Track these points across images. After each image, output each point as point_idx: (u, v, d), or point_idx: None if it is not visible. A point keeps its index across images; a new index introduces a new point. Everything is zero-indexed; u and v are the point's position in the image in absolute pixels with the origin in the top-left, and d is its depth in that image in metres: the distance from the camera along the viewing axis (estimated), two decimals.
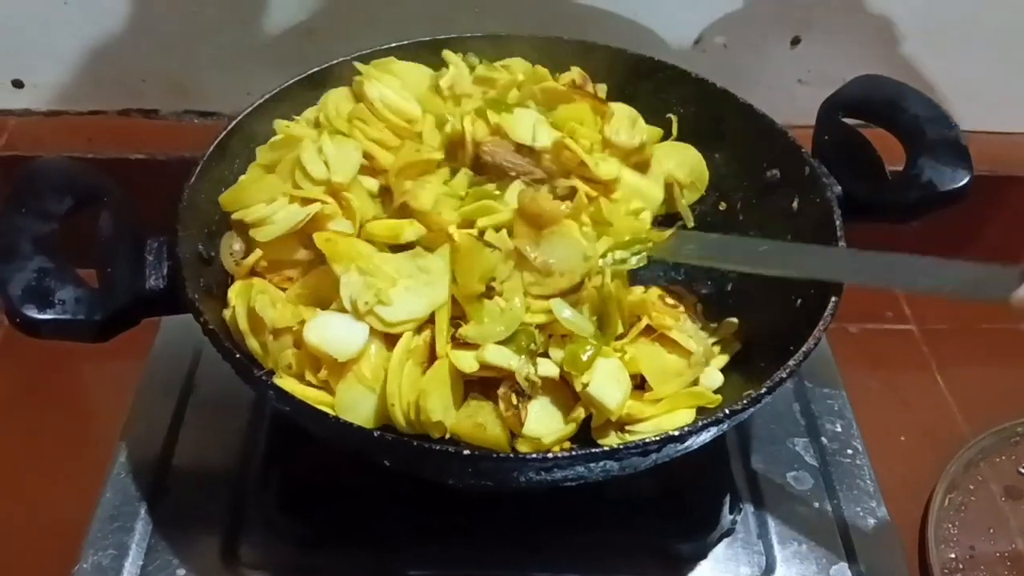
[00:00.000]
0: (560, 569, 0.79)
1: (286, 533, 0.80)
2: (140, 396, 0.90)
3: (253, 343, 0.73)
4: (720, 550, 0.81)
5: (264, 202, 0.76)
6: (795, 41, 1.10)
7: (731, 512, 0.83)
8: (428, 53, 0.89)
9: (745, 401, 0.65)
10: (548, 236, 0.73)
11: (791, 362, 0.68)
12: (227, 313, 0.74)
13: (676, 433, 0.64)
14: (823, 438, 0.90)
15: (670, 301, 0.78)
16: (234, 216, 0.77)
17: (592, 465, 0.64)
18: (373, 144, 0.80)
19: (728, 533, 0.82)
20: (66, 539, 0.79)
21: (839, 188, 0.81)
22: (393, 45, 0.89)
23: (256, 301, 0.73)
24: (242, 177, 0.80)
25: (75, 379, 1.02)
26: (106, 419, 0.90)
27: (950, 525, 0.91)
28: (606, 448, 0.64)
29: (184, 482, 0.83)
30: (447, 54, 0.89)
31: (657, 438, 0.63)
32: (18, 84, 1.09)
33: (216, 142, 0.80)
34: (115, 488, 0.82)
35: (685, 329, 0.76)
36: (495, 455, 0.66)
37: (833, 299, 0.71)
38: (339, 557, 0.79)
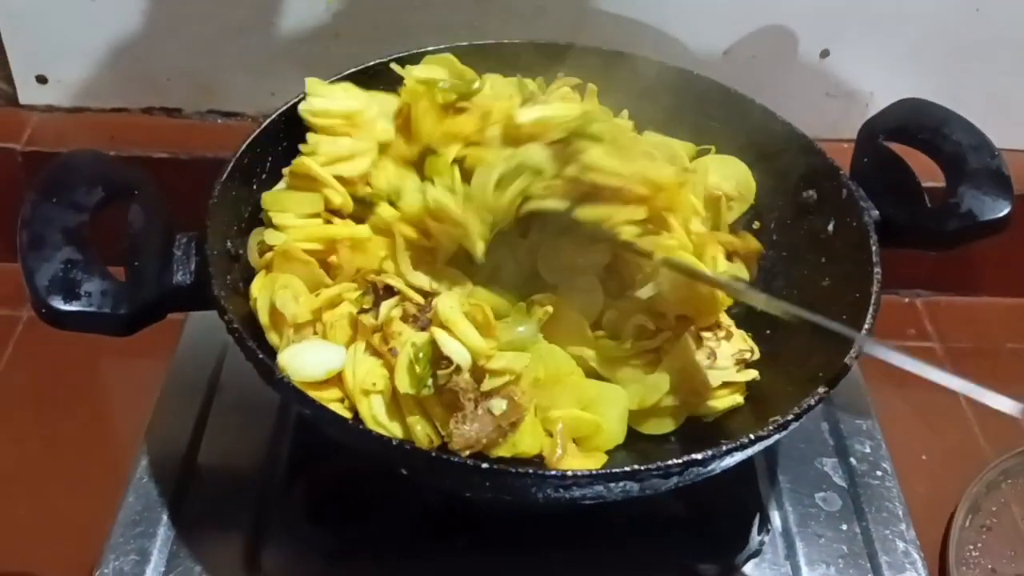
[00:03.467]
0: None
1: (310, 542, 0.79)
2: (164, 397, 0.89)
3: (274, 338, 0.73)
4: (748, 571, 0.80)
5: (295, 214, 0.77)
6: (824, 54, 1.10)
7: (759, 533, 0.82)
8: (468, 58, 0.88)
9: (772, 427, 0.65)
10: None
11: (820, 389, 0.67)
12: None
13: (699, 457, 0.63)
14: (852, 459, 0.89)
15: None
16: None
17: (612, 485, 0.63)
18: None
19: (756, 554, 0.81)
20: (87, 543, 0.79)
21: (876, 213, 0.80)
22: (430, 48, 0.88)
23: (277, 296, 0.72)
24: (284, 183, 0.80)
25: (98, 379, 1.01)
26: (129, 420, 0.90)
27: (971, 547, 0.90)
28: (626, 469, 0.63)
29: (207, 487, 0.82)
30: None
31: (679, 461, 0.62)
32: (42, 80, 1.09)
33: (249, 139, 0.79)
34: (137, 492, 0.81)
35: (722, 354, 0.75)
36: (514, 470, 0.65)
37: (866, 328, 0.71)
38: (362, 568, 0.79)
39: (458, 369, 0.67)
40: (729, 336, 0.77)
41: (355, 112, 0.80)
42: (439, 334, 0.68)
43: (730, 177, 0.86)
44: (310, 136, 0.79)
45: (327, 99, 0.81)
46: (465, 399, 0.67)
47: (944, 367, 1.08)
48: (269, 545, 0.79)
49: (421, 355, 0.68)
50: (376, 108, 0.82)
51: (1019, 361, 1.07)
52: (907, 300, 1.16)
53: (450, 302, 0.70)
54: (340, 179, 0.78)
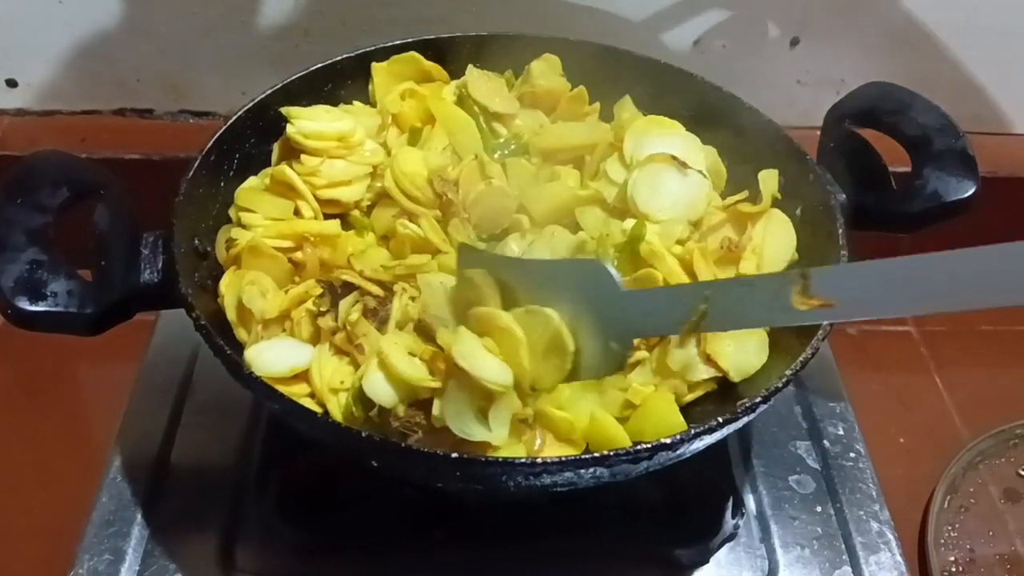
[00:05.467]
0: (559, 574, 0.79)
1: (284, 538, 0.79)
2: (136, 398, 0.89)
3: (242, 334, 0.73)
4: (722, 555, 0.80)
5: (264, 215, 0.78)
6: (794, 42, 1.10)
7: (733, 516, 0.82)
8: (431, 51, 0.90)
9: (739, 410, 0.65)
10: None
11: (787, 371, 0.67)
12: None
13: (668, 441, 0.63)
14: (825, 441, 0.89)
15: None
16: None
17: (582, 471, 0.63)
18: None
19: (730, 538, 0.81)
20: (61, 543, 0.79)
21: (843, 196, 0.81)
22: (398, 43, 0.89)
23: (245, 292, 0.73)
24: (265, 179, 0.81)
25: (70, 381, 1.01)
26: (101, 421, 0.90)
27: (949, 527, 0.90)
28: (595, 455, 0.63)
29: (181, 486, 0.83)
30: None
31: (648, 446, 0.63)
32: (12, 83, 1.08)
33: (215, 137, 0.80)
34: (111, 492, 0.81)
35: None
36: (483, 459, 0.65)
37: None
38: (337, 563, 0.79)
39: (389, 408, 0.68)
40: None
41: (348, 133, 0.81)
42: (367, 379, 0.68)
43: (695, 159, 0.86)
44: (306, 159, 0.80)
45: (315, 121, 0.81)
46: (407, 429, 0.68)
47: (921, 351, 1.10)
48: (243, 542, 0.79)
49: (355, 397, 0.69)
50: (361, 130, 0.83)
51: (994, 342, 1.08)
52: None
53: (394, 339, 0.70)
54: (335, 202, 0.80)
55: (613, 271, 0.66)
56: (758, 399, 0.65)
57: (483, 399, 0.67)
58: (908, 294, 0.55)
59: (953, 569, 0.87)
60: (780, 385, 0.66)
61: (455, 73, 0.90)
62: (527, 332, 0.67)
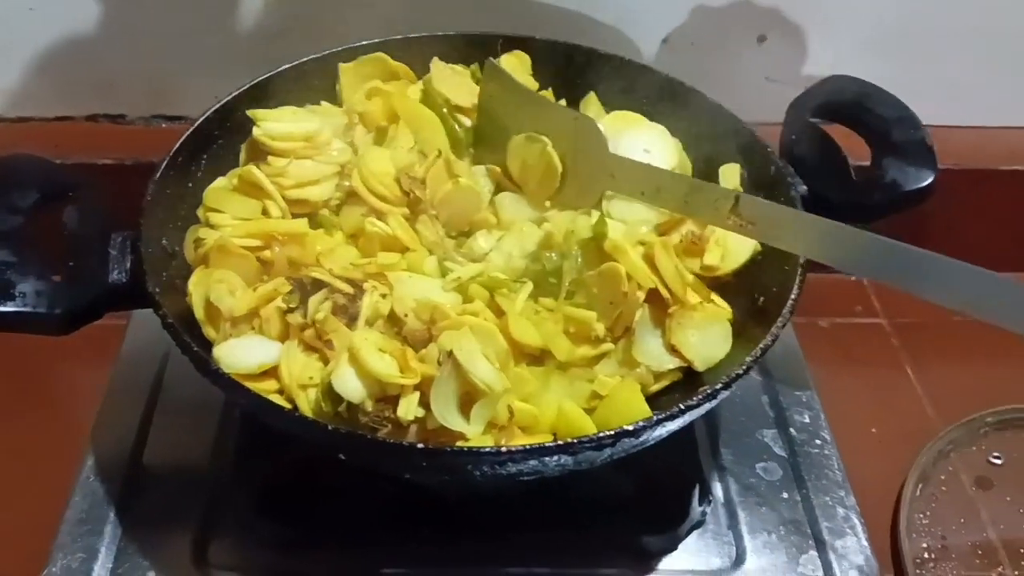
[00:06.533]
0: (533, 564, 0.79)
1: (258, 534, 0.80)
2: (109, 398, 0.89)
3: (211, 332, 0.74)
4: (690, 542, 0.81)
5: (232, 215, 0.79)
6: (761, 39, 1.11)
7: (701, 504, 0.83)
8: (403, 51, 0.91)
9: (701, 396, 0.66)
10: None
11: (748, 358, 0.68)
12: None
13: (631, 428, 0.64)
14: (791, 429, 0.90)
15: None
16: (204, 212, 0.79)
17: (547, 459, 0.64)
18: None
19: (698, 525, 0.82)
20: (35, 542, 0.79)
21: (804, 187, 0.82)
22: (365, 43, 0.90)
23: (213, 290, 0.73)
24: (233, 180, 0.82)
25: (44, 383, 1.01)
26: (75, 422, 0.90)
27: (921, 515, 0.91)
28: (559, 443, 0.64)
29: (154, 484, 0.83)
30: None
31: (611, 433, 0.63)
32: None
33: (183, 139, 0.81)
34: (84, 491, 0.82)
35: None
36: (450, 448, 0.66)
37: (791, 300, 0.72)
38: (312, 557, 0.79)
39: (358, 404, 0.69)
40: None
41: (314, 133, 0.82)
42: (337, 375, 0.69)
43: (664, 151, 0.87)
44: (273, 160, 0.81)
45: (281, 123, 0.82)
46: (376, 424, 0.69)
47: (892, 342, 1.11)
48: (217, 539, 0.80)
49: (324, 393, 0.70)
50: (328, 130, 0.84)
51: (964, 334, 1.08)
52: (854, 278, 1.17)
53: (365, 335, 0.71)
54: (304, 202, 0.81)
55: (602, 129, 0.81)
56: (719, 385, 0.66)
57: (469, 395, 0.69)
58: (810, 240, 0.71)
59: (925, 556, 0.88)
60: (741, 371, 0.67)
61: (423, 74, 0.90)
62: (526, 153, 0.83)
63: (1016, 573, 0.87)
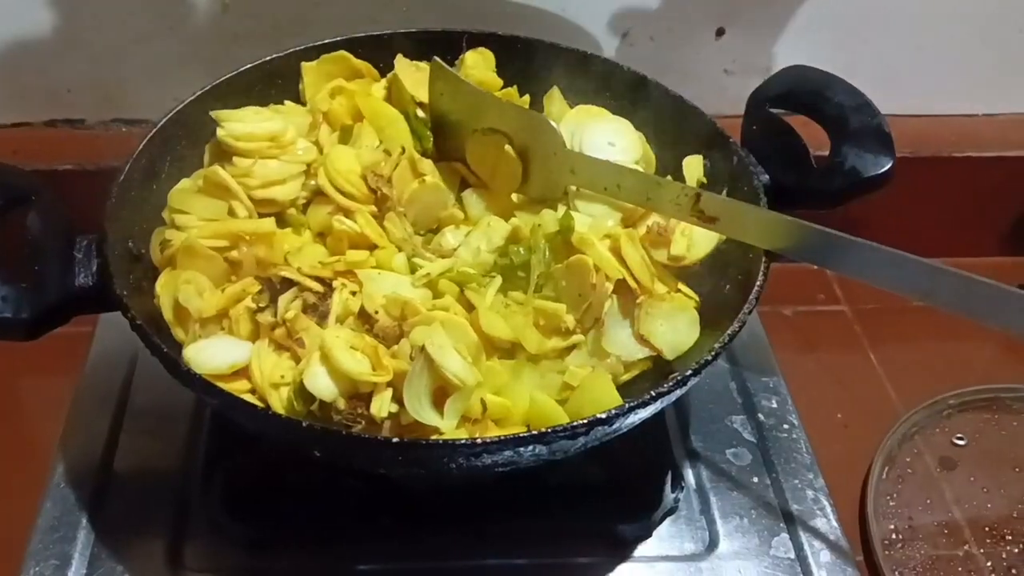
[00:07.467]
0: (508, 555, 0.80)
1: (231, 535, 0.80)
2: (77, 405, 0.89)
3: (180, 334, 0.74)
4: (664, 528, 0.82)
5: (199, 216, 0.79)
6: (720, 32, 1.12)
7: (673, 491, 0.84)
8: (361, 49, 0.90)
9: (671, 383, 0.67)
10: None
11: (716, 345, 0.69)
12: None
13: (603, 416, 0.64)
14: (760, 415, 0.92)
15: None
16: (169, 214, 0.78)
17: (521, 449, 0.64)
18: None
19: (671, 511, 0.83)
20: (6, 552, 0.78)
21: (766, 177, 0.83)
22: (327, 41, 0.89)
23: (181, 291, 0.73)
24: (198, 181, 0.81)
25: (11, 392, 0.99)
26: (44, 430, 0.89)
27: (888, 498, 0.92)
28: (533, 433, 0.64)
29: (126, 489, 0.83)
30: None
31: (584, 422, 0.64)
32: None
33: (145, 141, 0.80)
34: (55, 499, 0.81)
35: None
36: (424, 442, 0.66)
37: (756, 287, 0.73)
38: (286, 556, 0.79)
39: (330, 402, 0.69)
40: None
41: (279, 133, 0.81)
42: (308, 374, 0.69)
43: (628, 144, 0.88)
44: (238, 160, 0.80)
45: (245, 123, 0.81)
46: (350, 421, 0.69)
47: (854, 329, 1.13)
48: (191, 541, 0.79)
49: (296, 392, 0.70)
50: (292, 129, 0.83)
51: (925, 318, 1.10)
52: (816, 267, 1.19)
53: (336, 333, 0.71)
54: (271, 202, 0.80)
55: (558, 129, 0.81)
56: (688, 372, 0.67)
57: (442, 390, 0.69)
58: (765, 232, 0.74)
59: (893, 537, 0.89)
60: (710, 358, 0.68)
61: (386, 72, 0.90)
62: (485, 149, 0.83)
63: (981, 551, 0.89)
